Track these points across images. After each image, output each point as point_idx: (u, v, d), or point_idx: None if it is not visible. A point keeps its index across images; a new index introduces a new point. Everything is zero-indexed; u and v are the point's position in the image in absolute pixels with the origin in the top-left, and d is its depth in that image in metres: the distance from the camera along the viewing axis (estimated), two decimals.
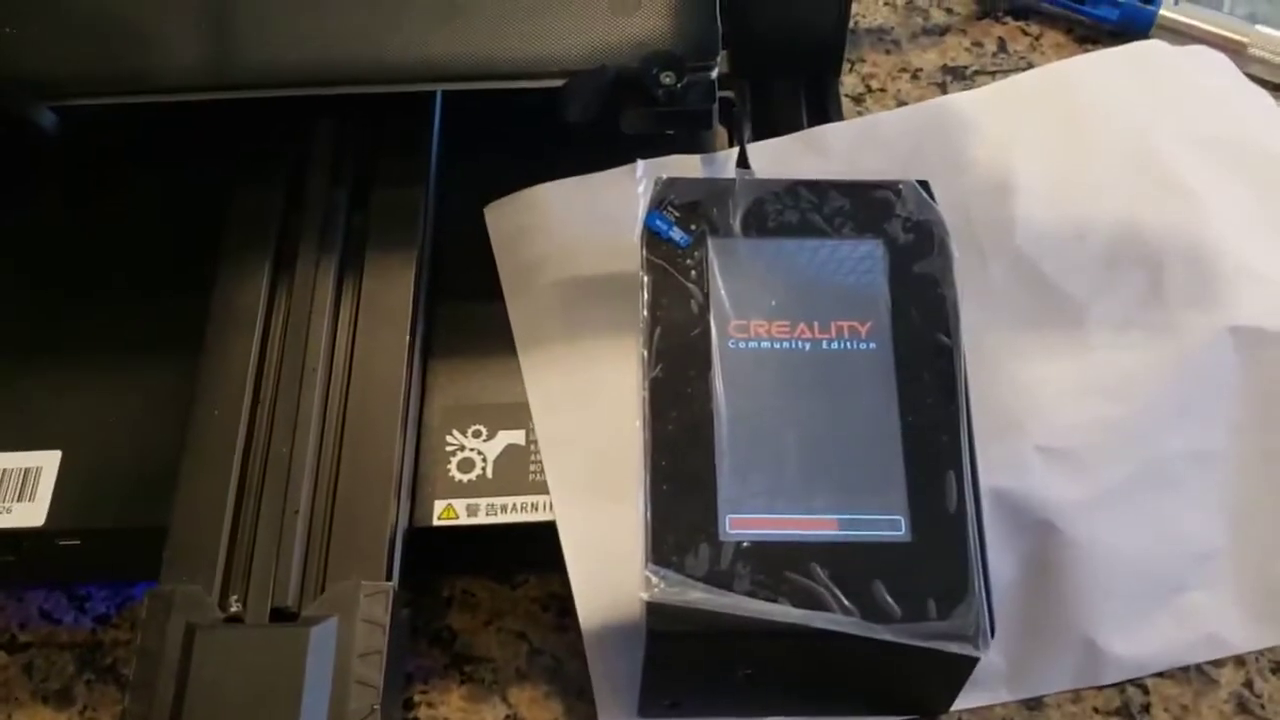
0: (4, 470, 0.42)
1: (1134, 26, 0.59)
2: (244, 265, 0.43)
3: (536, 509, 0.42)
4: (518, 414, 0.44)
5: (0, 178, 0.48)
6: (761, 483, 0.40)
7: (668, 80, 0.42)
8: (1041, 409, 0.43)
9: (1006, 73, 0.59)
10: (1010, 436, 0.43)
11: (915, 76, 0.59)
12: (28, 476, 0.42)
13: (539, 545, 0.42)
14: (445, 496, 0.42)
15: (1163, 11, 0.58)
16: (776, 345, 0.42)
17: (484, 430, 0.44)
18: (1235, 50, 0.56)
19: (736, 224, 0.44)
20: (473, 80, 0.44)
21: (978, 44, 0.60)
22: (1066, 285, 0.46)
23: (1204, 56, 0.53)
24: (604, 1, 0.44)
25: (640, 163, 0.46)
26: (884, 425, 0.41)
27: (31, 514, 0.42)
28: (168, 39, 0.45)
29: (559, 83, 0.43)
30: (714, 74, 0.43)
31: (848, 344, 0.42)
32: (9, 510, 0.42)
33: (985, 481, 0.41)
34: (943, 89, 0.59)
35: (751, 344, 0.42)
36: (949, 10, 0.62)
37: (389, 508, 0.39)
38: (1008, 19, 0.61)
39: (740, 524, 0.39)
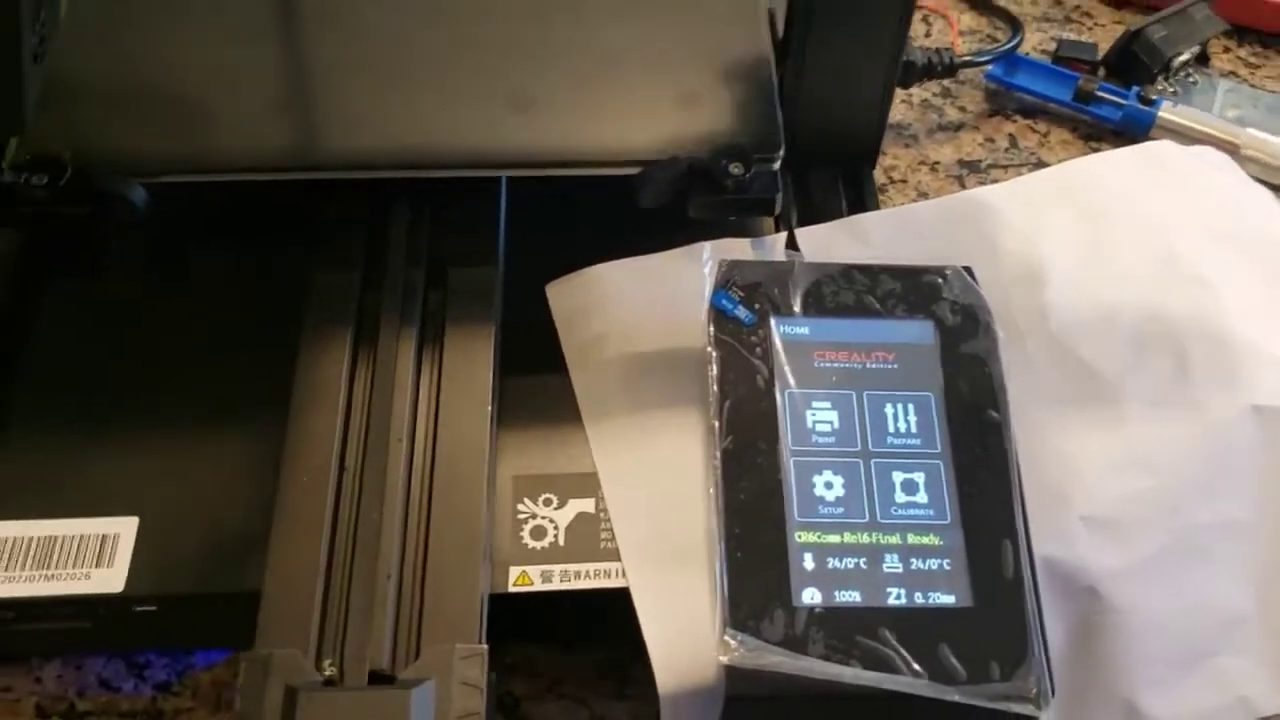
0: (82, 536, 0.43)
1: (1135, 127, 0.63)
2: (326, 339, 0.45)
3: (609, 575, 0.44)
4: (587, 483, 0.45)
5: (86, 249, 0.49)
6: None
7: (736, 170, 0.45)
8: (1084, 481, 0.46)
9: (1018, 167, 0.63)
10: (1056, 507, 0.45)
11: (934, 169, 0.63)
12: (105, 543, 0.43)
13: (604, 613, 0.43)
14: (520, 563, 0.44)
15: (1160, 114, 0.62)
16: (839, 420, 0.45)
17: (554, 499, 0.45)
18: (1229, 150, 0.60)
19: (797, 304, 0.47)
20: (557, 167, 0.46)
21: (990, 140, 0.64)
22: (1100, 366, 0.48)
23: (1209, 156, 0.57)
24: (670, 98, 0.47)
25: (706, 245, 0.49)
26: (941, 497, 0.43)
27: (110, 580, 0.42)
28: (252, 121, 0.47)
29: (633, 170, 0.46)
30: (778, 164, 0.46)
31: (904, 418, 0.45)
32: (87, 576, 0.42)
33: (1034, 550, 0.43)
34: (960, 181, 0.62)
35: (814, 417, 0.45)
36: (962, 108, 0.65)
37: (479, 572, 0.41)
38: (1017, 117, 0.65)
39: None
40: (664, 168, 0.45)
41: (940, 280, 0.48)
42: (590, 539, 0.44)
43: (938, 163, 0.63)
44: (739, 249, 0.51)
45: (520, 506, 0.45)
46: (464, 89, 0.48)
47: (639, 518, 0.44)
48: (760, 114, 0.47)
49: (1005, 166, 0.63)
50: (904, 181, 0.62)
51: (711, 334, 0.46)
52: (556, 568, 0.44)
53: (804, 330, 0.46)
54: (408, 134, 0.46)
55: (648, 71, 0.49)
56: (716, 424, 0.44)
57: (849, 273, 0.48)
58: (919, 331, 0.47)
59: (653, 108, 0.47)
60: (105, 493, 0.44)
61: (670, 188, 0.45)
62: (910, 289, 0.47)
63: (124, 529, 0.44)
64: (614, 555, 0.44)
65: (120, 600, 0.42)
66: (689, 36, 0.50)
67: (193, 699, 0.46)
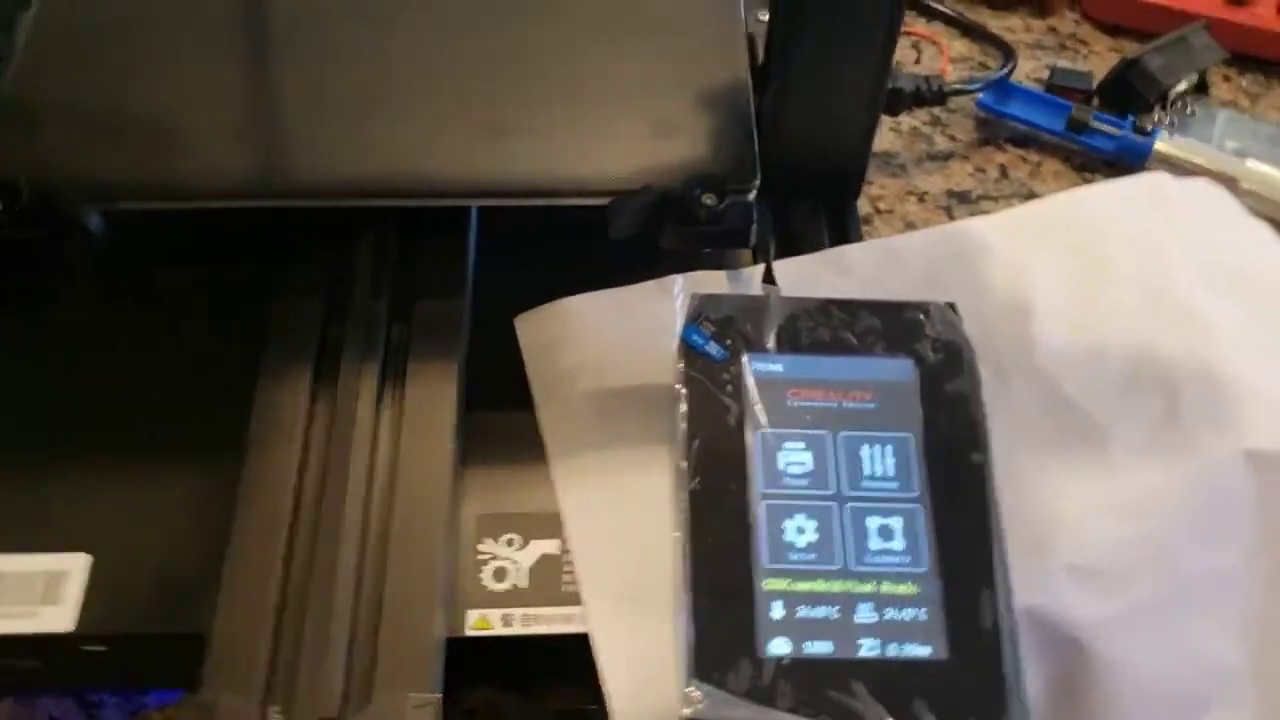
0: (31, 573, 0.42)
1: (1130, 157, 0.61)
2: (286, 373, 0.44)
3: (571, 620, 0.42)
4: (551, 524, 0.44)
5: (39, 276, 0.48)
6: None
7: (710, 201, 0.44)
8: (1069, 527, 0.44)
9: (1009, 198, 0.61)
10: (1039, 554, 0.43)
11: (922, 200, 0.61)
12: (55, 580, 0.42)
13: (567, 658, 0.42)
14: (480, 606, 0.42)
15: (1157, 144, 0.61)
16: (813, 461, 0.43)
17: (517, 539, 0.44)
18: (1228, 183, 0.59)
19: (771, 340, 0.45)
20: (523, 197, 0.45)
21: (980, 170, 0.63)
22: (1088, 406, 0.47)
23: (1206, 188, 0.55)
24: (644, 127, 0.46)
25: (678, 278, 0.47)
26: (918, 543, 0.42)
27: (59, 618, 0.41)
28: (215, 147, 0.46)
29: (604, 200, 0.44)
30: (752, 195, 0.45)
31: (881, 460, 0.43)
32: (35, 614, 0.41)
33: (1015, 598, 0.42)
34: (949, 212, 0.61)
35: (787, 458, 0.43)
36: (952, 137, 0.64)
37: (434, 618, 0.39)
38: (1009, 147, 0.64)
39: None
40: (635, 197, 0.44)
41: (922, 316, 0.46)
42: (553, 581, 0.43)
43: (926, 193, 0.61)
44: (714, 282, 0.49)
45: (481, 547, 0.44)
46: (432, 117, 0.47)
47: (603, 560, 0.43)
48: (736, 143, 0.46)
49: (996, 197, 0.61)
50: (890, 212, 0.61)
51: (681, 370, 0.44)
52: (518, 611, 0.42)
53: (777, 367, 0.45)
54: (372, 162, 0.45)
55: (622, 99, 0.47)
56: (684, 464, 0.43)
57: (826, 308, 0.46)
58: (898, 370, 0.45)
59: (626, 136, 0.46)
60: (56, 529, 0.43)
61: (641, 218, 0.44)
62: (890, 325, 0.46)
63: (75, 566, 0.42)
64: (577, 599, 0.42)
65: (69, 640, 0.41)
66: (666, 63, 0.49)
67: None
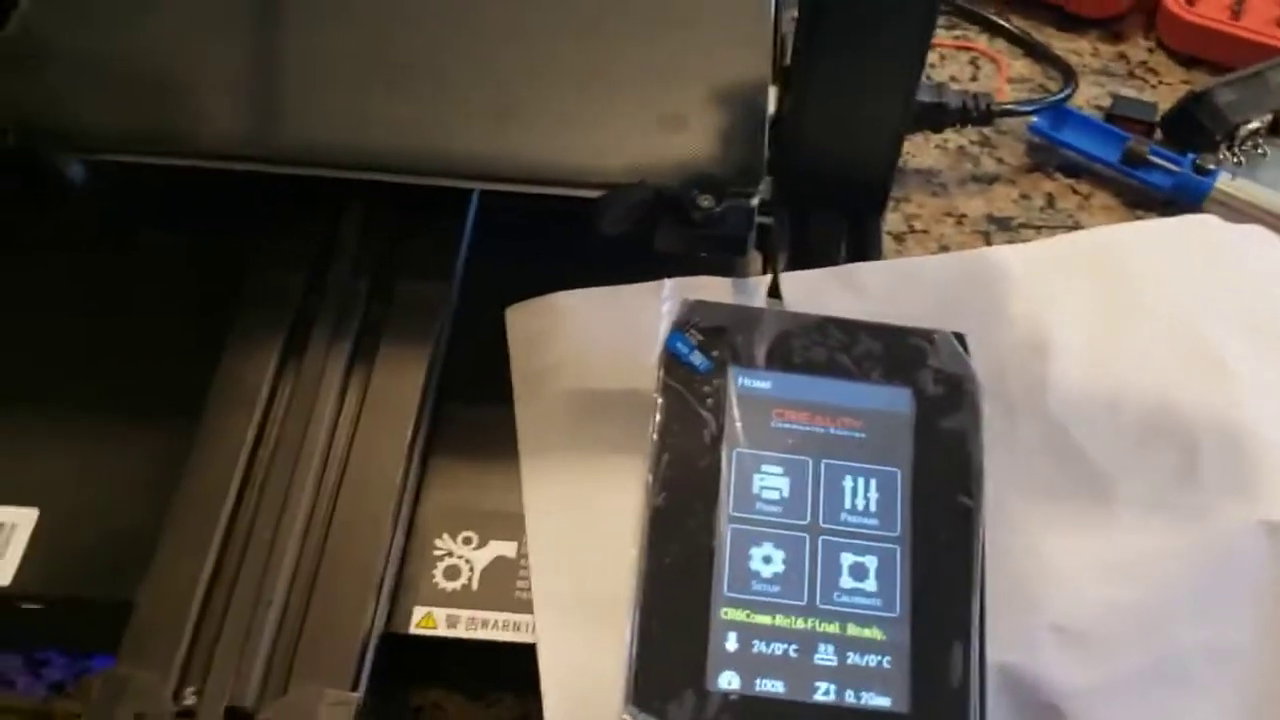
0: None
1: (1187, 197, 0.57)
2: (254, 343, 0.42)
3: (519, 629, 0.40)
4: (512, 525, 0.42)
5: (14, 226, 0.47)
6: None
7: (706, 203, 0.41)
8: (1059, 585, 0.41)
9: (1053, 229, 0.58)
10: (1024, 611, 0.41)
11: (960, 222, 0.58)
12: (0, 532, 0.41)
13: (518, 666, 0.40)
14: (426, 604, 0.40)
15: (1217, 185, 0.57)
16: (789, 488, 0.41)
17: (475, 537, 0.42)
18: None
19: (761, 355, 0.43)
20: (511, 183, 0.43)
21: (1026, 196, 0.59)
22: (1096, 456, 0.44)
23: (1257, 236, 0.51)
24: (652, 120, 0.44)
25: (667, 281, 0.45)
26: (892, 586, 0.39)
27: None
28: (207, 104, 0.44)
29: (597, 193, 0.42)
30: (755, 201, 0.42)
31: (864, 494, 0.41)
32: None
33: (992, 655, 0.39)
34: (986, 238, 0.57)
35: (762, 482, 0.41)
36: (999, 160, 0.61)
37: (365, 613, 0.37)
38: (1059, 175, 0.60)
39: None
40: (628, 192, 0.42)
41: (927, 345, 0.43)
42: (505, 586, 0.41)
43: (965, 215, 0.58)
44: (715, 287, 0.47)
45: (438, 542, 0.42)
46: (432, 92, 0.45)
47: (559, 570, 0.41)
48: (743, 145, 0.43)
49: (1038, 227, 0.58)
50: (925, 232, 0.58)
51: (661, 379, 0.42)
52: (464, 613, 0.40)
53: (764, 384, 0.42)
54: (363, 134, 0.44)
55: (632, 88, 0.45)
56: (650, 478, 0.40)
57: (824, 326, 0.44)
58: (894, 399, 0.42)
59: (629, 128, 0.44)
60: (6, 480, 0.42)
61: (634, 215, 0.42)
62: (891, 351, 0.43)
63: (22, 520, 0.41)
64: (528, 607, 0.41)
65: (5, 595, 0.40)
66: (684, 55, 0.46)
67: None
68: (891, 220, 0.58)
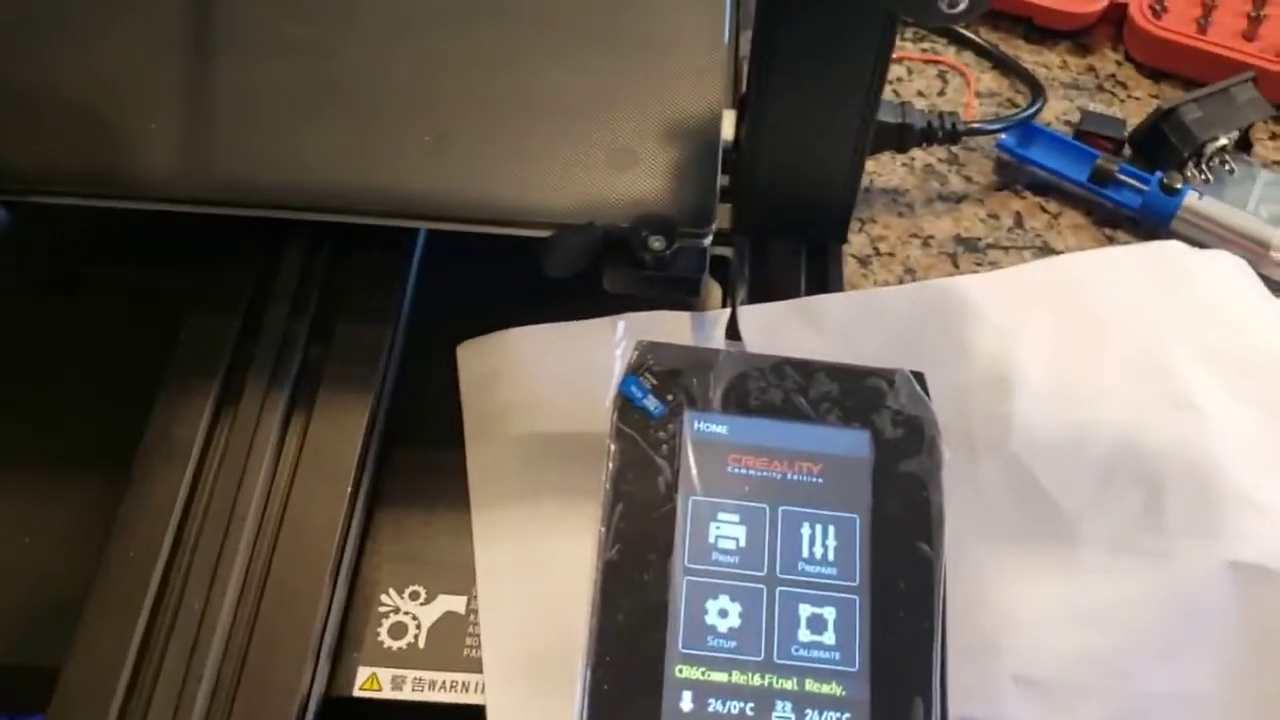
0: None
1: (1154, 216, 0.56)
2: (187, 393, 0.41)
3: (468, 689, 0.39)
4: (462, 577, 0.41)
5: None
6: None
7: (657, 245, 0.40)
8: (1022, 633, 0.40)
9: (1020, 250, 0.57)
10: (986, 661, 0.39)
11: (926, 244, 0.57)
12: None
13: None
14: (371, 664, 0.39)
15: (1185, 204, 0.56)
16: (746, 537, 0.39)
17: (423, 592, 0.41)
18: (1256, 252, 0.54)
19: (716, 399, 0.41)
20: (454, 222, 0.41)
21: (994, 216, 0.58)
22: (1060, 497, 0.43)
23: (1223, 262, 0.50)
24: (602, 155, 0.42)
25: (620, 322, 0.44)
26: (851, 639, 0.38)
27: None
28: (138, 143, 0.43)
29: (545, 233, 0.41)
30: (707, 242, 0.41)
31: (822, 542, 0.39)
32: None
33: (954, 709, 0.38)
34: (954, 260, 0.56)
35: (718, 531, 0.39)
36: (967, 178, 0.60)
37: (302, 679, 0.36)
38: (1027, 193, 0.59)
39: None
40: (575, 234, 0.40)
41: (885, 385, 0.42)
42: (454, 644, 0.40)
43: (932, 236, 0.57)
44: (671, 323, 0.46)
45: (384, 597, 0.40)
46: (374, 128, 0.43)
47: (510, 626, 0.40)
48: (696, 183, 0.42)
49: (1006, 248, 0.57)
50: (891, 255, 0.56)
51: (614, 424, 0.41)
52: (410, 674, 0.39)
53: (720, 429, 0.41)
54: (301, 172, 0.42)
55: (581, 123, 0.44)
56: (603, 529, 0.39)
57: (781, 368, 0.42)
58: (852, 442, 0.41)
59: (578, 164, 0.42)
60: None
61: (583, 257, 0.40)
62: (849, 392, 0.42)
63: None
64: (477, 666, 0.39)
65: None
66: (635, 87, 0.45)
67: None
68: (857, 242, 0.57)
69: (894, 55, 0.48)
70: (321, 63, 0.45)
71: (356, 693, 0.39)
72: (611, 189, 0.42)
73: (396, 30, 0.46)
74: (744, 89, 0.47)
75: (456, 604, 0.40)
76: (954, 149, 0.60)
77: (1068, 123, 0.62)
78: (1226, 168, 0.58)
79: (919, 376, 0.42)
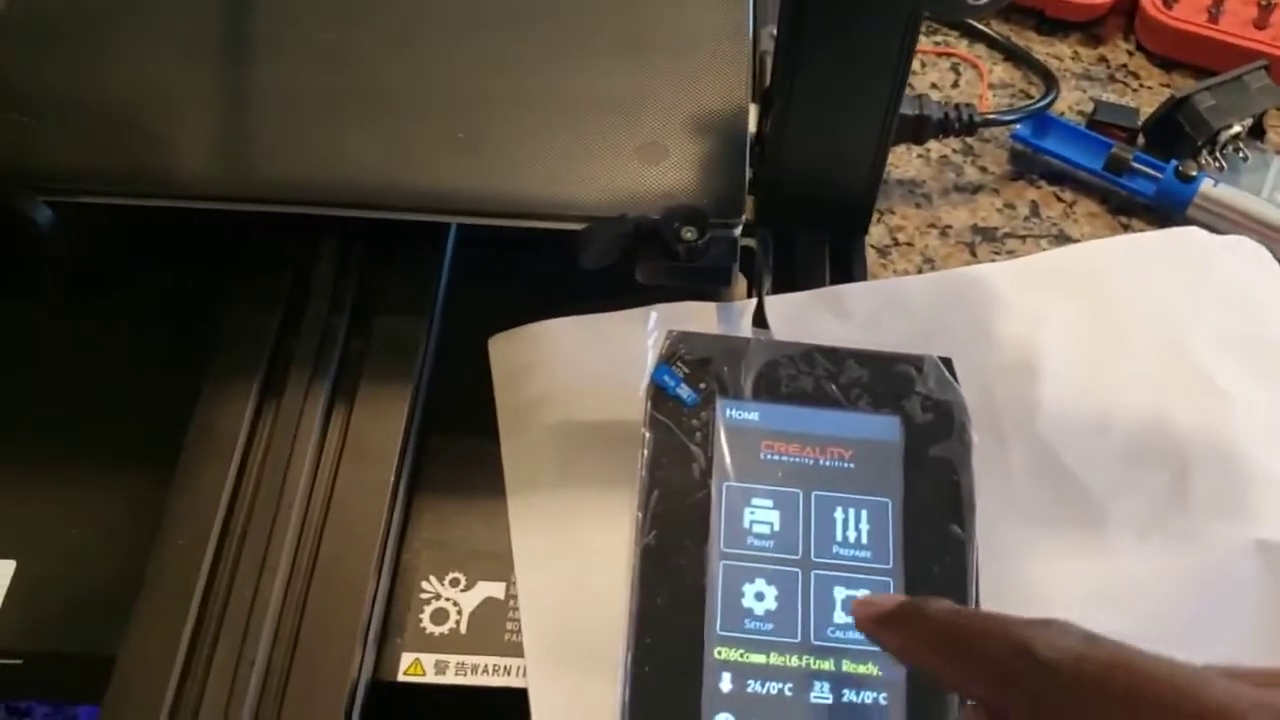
0: None
1: (1169, 203, 0.57)
2: (230, 387, 0.41)
3: (509, 673, 0.40)
4: (501, 564, 0.41)
5: None
6: None
7: (689, 235, 0.41)
8: (1051, 613, 0.40)
9: (1037, 238, 0.57)
10: None
11: (944, 234, 0.58)
12: None
13: (509, 711, 0.39)
14: (414, 650, 0.40)
15: (1200, 191, 0.57)
16: (780, 521, 0.40)
17: (462, 579, 0.41)
18: (1272, 238, 0.54)
19: (748, 386, 0.42)
20: (489, 216, 0.42)
21: (1010, 205, 0.59)
22: (1087, 479, 0.43)
23: (1243, 248, 0.51)
24: (631, 149, 0.43)
25: (653, 312, 0.44)
26: None
27: None
28: (176, 143, 0.43)
29: (578, 226, 0.41)
30: (737, 231, 0.42)
31: (855, 526, 0.40)
32: None
33: None
34: (971, 249, 0.57)
35: (753, 516, 0.40)
36: (983, 168, 0.60)
37: (351, 664, 0.37)
38: (1042, 183, 0.60)
39: None
40: (608, 226, 0.41)
41: (914, 371, 0.43)
42: (495, 629, 0.40)
43: (949, 226, 0.58)
44: (700, 314, 0.46)
45: (425, 584, 0.41)
46: (409, 125, 0.44)
47: (550, 611, 0.40)
48: (725, 174, 0.42)
49: (1023, 236, 0.58)
50: (910, 245, 0.57)
51: (648, 413, 0.41)
52: (453, 658, 0.40)
53: (752, 416, 0.42)
54: (337, 169, 0.43)
55: (610, 118, 0.44)
56: (640, 515, 0.40)
57: (811, 355, 0.43)
58: (883, 428, 0.42)
59: (609, 159, 0.43)
60: None
61: (615, 249, 0.41)
62: (878, 379, 0.43)
63: None
64: (518, 650, 0.40)
65: None
66: (662, 83, 0.45)
67: None
68: (876, 233, 0.57)
69: None
70: (355, 64, 0.45)
71: (401, 678, 0.39)
72: (642, 182, 0.43)
73: (427, 32, 0.47)
74: (766, 83, 0.48)
75: (496, 590, 0.41)
76: (969, 140, 0.61)
77: (1080, 113, 0.62)
78: (1240, 155, 0.59)
79: (947, 362, 0.43)
